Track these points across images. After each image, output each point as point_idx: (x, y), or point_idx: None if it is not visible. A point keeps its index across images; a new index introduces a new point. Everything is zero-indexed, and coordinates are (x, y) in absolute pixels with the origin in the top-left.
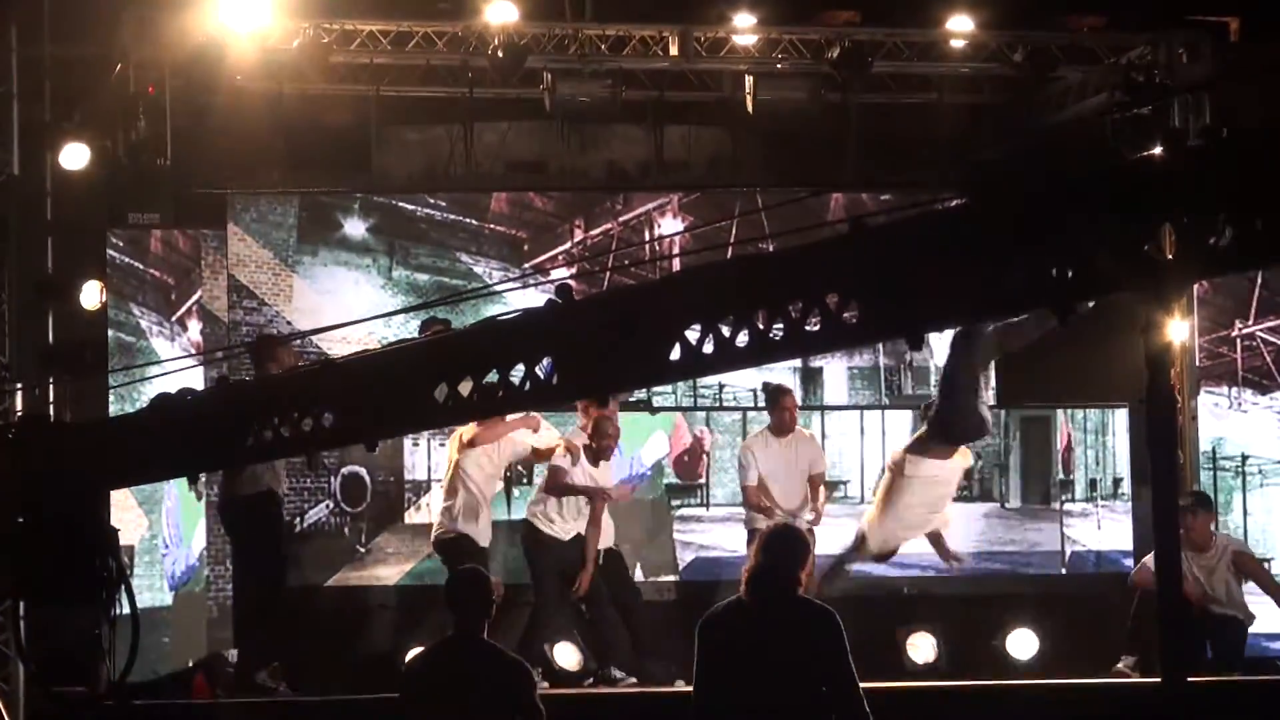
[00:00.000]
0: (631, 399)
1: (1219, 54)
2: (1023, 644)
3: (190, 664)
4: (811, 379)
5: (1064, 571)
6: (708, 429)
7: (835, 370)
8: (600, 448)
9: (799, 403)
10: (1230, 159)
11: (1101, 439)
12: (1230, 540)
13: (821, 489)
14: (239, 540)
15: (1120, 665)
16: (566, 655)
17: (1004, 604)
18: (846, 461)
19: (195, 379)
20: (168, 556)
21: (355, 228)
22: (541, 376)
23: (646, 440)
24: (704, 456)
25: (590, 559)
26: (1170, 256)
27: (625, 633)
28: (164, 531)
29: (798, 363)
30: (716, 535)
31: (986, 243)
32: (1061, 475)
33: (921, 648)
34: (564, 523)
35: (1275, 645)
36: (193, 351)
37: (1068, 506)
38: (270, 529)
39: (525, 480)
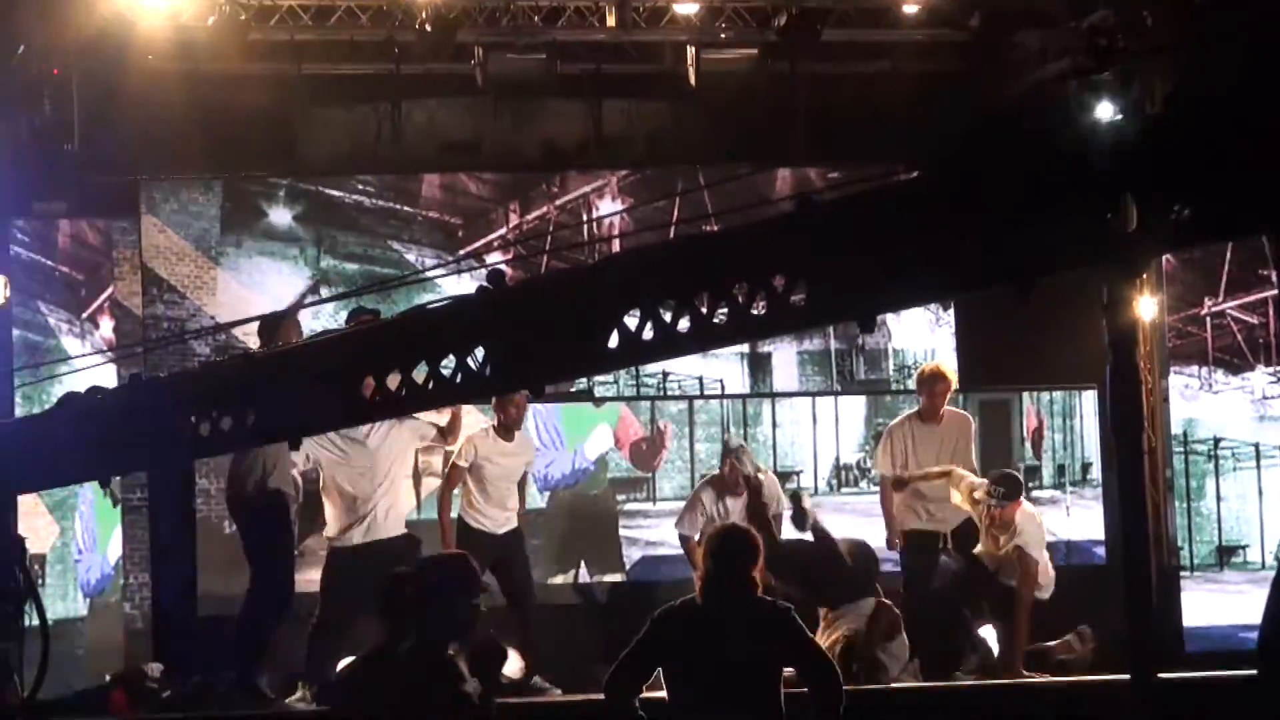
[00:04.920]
0: (573, 389)
1: (1183, 16)
2: (988, 641)
3: (108, 678)
4: (759, 365)
5: None
6: (669, 422)
7: (784, 356)
8: (509, 418)
9: (748, 390)
10: (1194, 126)
11: (1069, 422)
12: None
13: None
14: (246, 543)
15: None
16: (507, 662)
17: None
18: (798, 451)
19: (108, 378)
20: (81, 564)
21: (281, 216)
22: (474, 367)
23: (590, 434)
24: (664, 451)
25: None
26: (1133, 229)
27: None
28: (77, 538)
29: (745, 348)
30: (664, 531)
31: (941, 218)
32: (1030, 460)
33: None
34: (494, 514)
35: (1250, 635)
36: (105, 349)
37: (1035, 494)
38: (278, 532)
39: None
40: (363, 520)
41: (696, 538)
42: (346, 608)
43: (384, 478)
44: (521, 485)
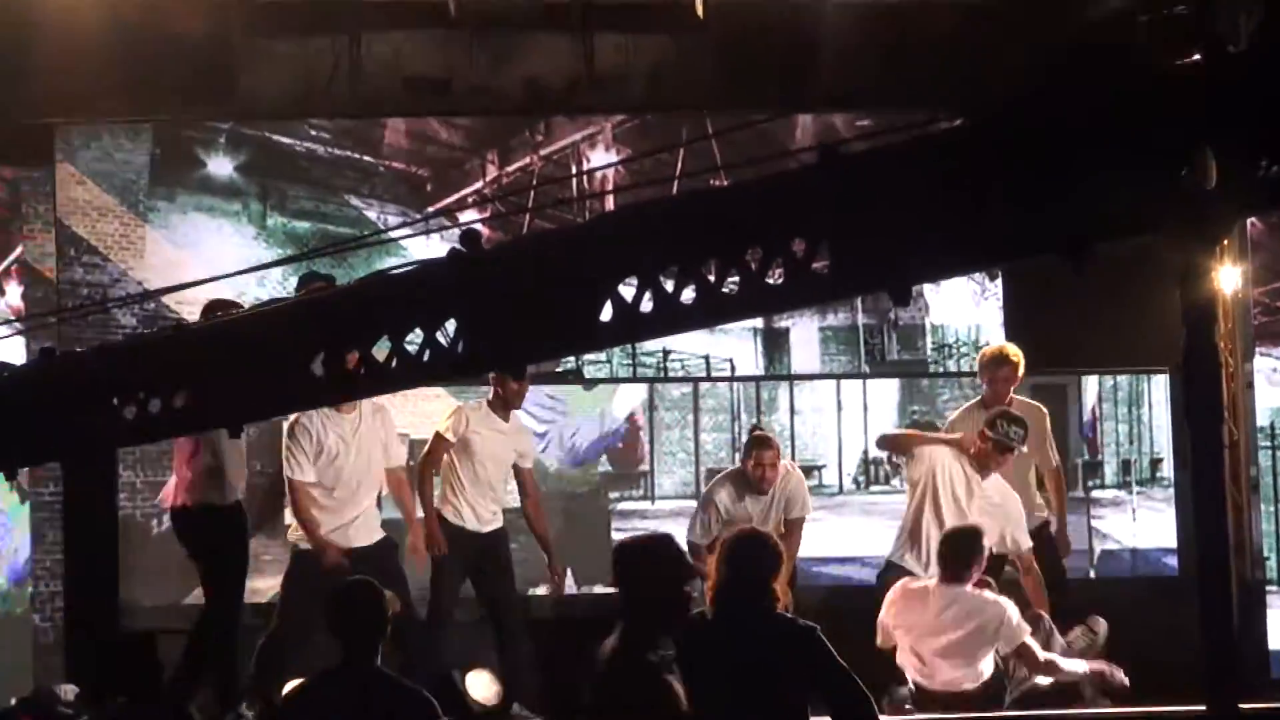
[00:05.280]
0: (558, 369)
1: None
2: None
3: (13, 702)
4: (776, 342)
5: (1093, 575)
6: (641, 408)
7: (805, 331)
8: (508, 393)
9: (762, 371)
10: None
11: (1136, 412)
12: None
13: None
14: (195, 558)
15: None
16: (481, 686)
17: None
18: (820, 443)
19: (15, 352)
20: None
21: (221, 166)
22: (444, 344)
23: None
24: (640, 441)
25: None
26: (1212, 187)
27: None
28: None
29: (759, 323)
30: None
31: (986, 174)
32: (1087, 456)
33: None
34: (480, 506)
35: None
36: (11, 318)
37: (1096, 494)
38: (235, 545)
39: None
40: (344, 524)
41: (709, 546)
42: (309, 619)
43: (367, 476)
44: (528, 478)
